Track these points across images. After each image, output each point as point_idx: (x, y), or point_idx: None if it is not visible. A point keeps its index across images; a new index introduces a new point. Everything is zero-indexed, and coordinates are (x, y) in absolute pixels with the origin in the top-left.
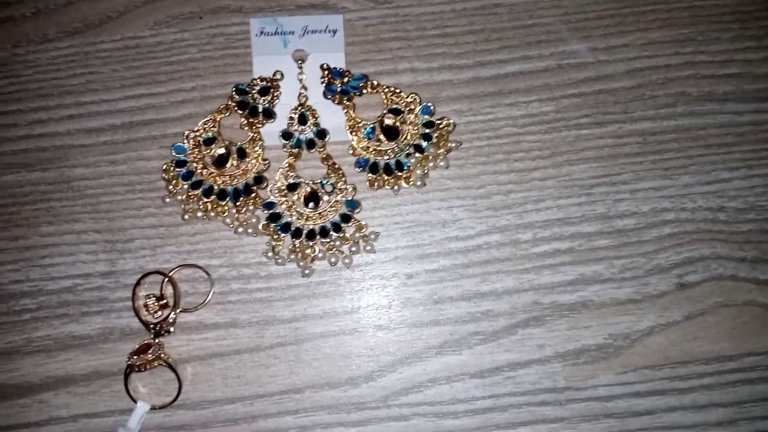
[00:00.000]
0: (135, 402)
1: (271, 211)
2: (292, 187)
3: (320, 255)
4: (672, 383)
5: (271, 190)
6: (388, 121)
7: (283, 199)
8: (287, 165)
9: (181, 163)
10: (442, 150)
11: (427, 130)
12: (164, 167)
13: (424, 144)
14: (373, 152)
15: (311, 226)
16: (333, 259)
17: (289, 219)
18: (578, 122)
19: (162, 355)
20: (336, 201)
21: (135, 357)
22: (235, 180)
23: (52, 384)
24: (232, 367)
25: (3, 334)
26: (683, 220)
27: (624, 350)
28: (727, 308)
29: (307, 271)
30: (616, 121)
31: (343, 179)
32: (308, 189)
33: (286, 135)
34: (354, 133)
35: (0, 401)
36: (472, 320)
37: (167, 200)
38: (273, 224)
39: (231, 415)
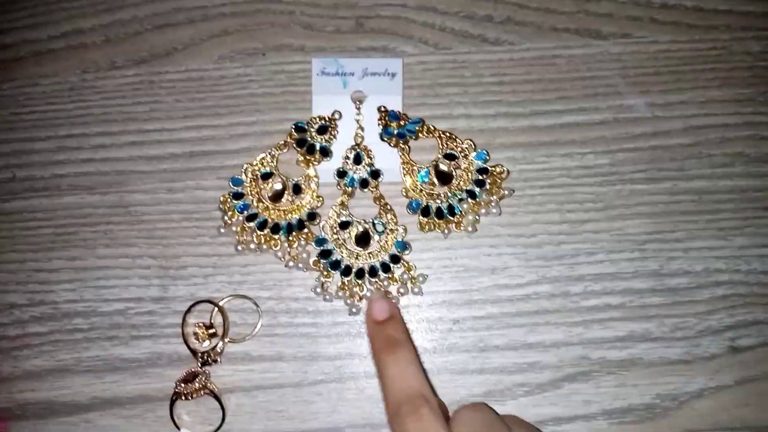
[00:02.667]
0: (179, 429)
1: (322, 248)
2: (344, 225)
3: (368, 294)
4: None
5: (323, 228)
6: (442, 166)
7: (335, 236)
8: (340, 203)
9: (237, 196)
10: (494, 197)
11: (481, 177)
12: (221, 198)
13: (477, 190)
14: (426, 195)
15: (360, 265)
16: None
17: (339, 257)
18: (633, 177)
19: (208, 385)
20: (386, 241)
21: (182, 385)
22: (289, 215)
23: (99, 405)
24: (275, 401)
25: (55, 352)
26: (737, 282)
27: (672, 412)
28: None
29: (354, 309)
30: (671, 178)
31: (395, 220)
32: (360, 228)
33: (341, 173)
34: (408, 175)
35: (48, 417)
36: (518, 371)
37: (222, 231)
38: (323, 261)
39: None
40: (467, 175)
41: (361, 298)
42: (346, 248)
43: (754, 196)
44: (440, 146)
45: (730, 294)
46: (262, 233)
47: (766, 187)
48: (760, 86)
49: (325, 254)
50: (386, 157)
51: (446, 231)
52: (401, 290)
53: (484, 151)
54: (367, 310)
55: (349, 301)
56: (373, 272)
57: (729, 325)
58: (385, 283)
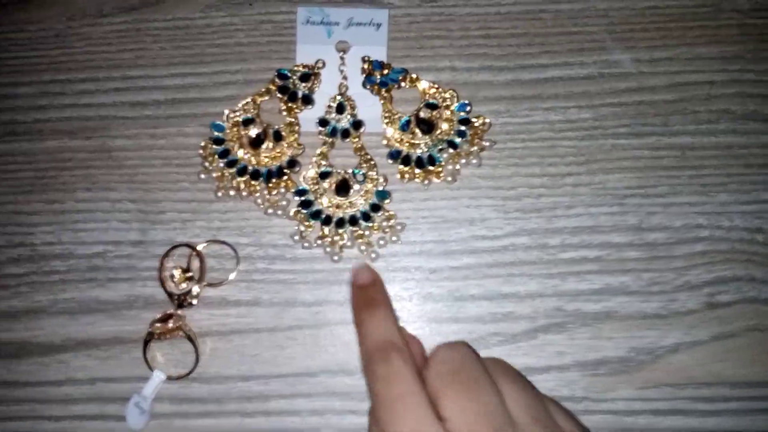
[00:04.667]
0: (152, 370)
1: (302, 198)
2: (324, 175)
3: (348, 243)
4: (695, 404)
5: (303, 177)
6: (423, 115)
7: (315, 186)
8: (321, 152)
9: (218, 141)
10: (475, 148)
11: (462, 127)
12: (202, 144)
13: (458, 140)
14: (407, 145)
15: (341, 214)
16: (363, 248)
17: (320, 206)
18: (616, 131)
19: (183, 326)
20: (366, 191)
21: (156, 325)
22: (270, 162)
23: (73, 346)
24: (250, 345)
25: (31, 294)
26: (717, 238)
27: (646, 365)
28: (757, 332)
29: (336, 258)
30: (654, 134)
31: (375, 170)
32: (340, 177)
33: (323, 122)
34: (389, 125)
35: (21, 358)
36: (493, 321)
37: (202, 176)
38: (303, 210)
39: (245, 392)
40: (449, 126)
41: (341, 247)
42: (326, 198)
43: (739, 152)
44: (422, 95)
45: (709, 250)
46: (241, 179)
47: (751, 144)
48: (748, 44)
49: (306, 204)
50: (368, 108)
51: (426, 181)
52: (381, 240)
53: (466, 102)
54: (351, 277)
55: (328, 249)
56: (353, 221)
57: (707, 280)
58: (365, 232)
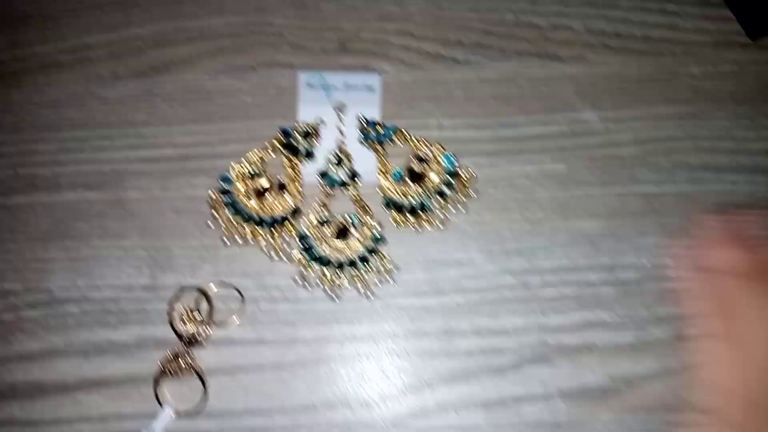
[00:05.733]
0: (162, 407)
1: (304, 243)
2: (325, 222)
3: (347, 284)
4: (667, 427)
5: (305, 224)
6: (415, 167)
7: (316, 232)
8: (321, 201)
9: (226, 192)
10: (462, 197)
11: (450, 179)
12: (211, 195)
13: (446, 190)
14: (400, 194)
15: (340, 258)
16: (360, 286)
17: (320, 251)
18: (587, 181)
19: (192, 364)
20: (363, 236)
21: (168, 363)
22: (274, 211)
23: (87, 385)
24: (255, 381)
25: (47, 336)
26: (683, 276)
27: (623, 393)
28: None
29: (335, 298)
30: (621, 183)
31: (371, 217)
32: (339, 224)
33: (323, 174)
34: (383, 176)
35: (36, 397)
36: (481, 354)
37: (210, 225)
38: (305, 254)
39: (250, 426)
40: (437, 177)
41: (340, 287)
42: (327, 243)
43: (697, 199)
44: (413, 150)
45: (676, 287)
46: (248, 227)
47: (707, 192)
48: (700, 104)
49: (307, 249)
50: (364, 162)
51: (418, 227)
52: (377, 281)
53: (452, 155)
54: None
55: (329, 290)
56: (351, 264)
57: (675, 315)
58: (363, 273)
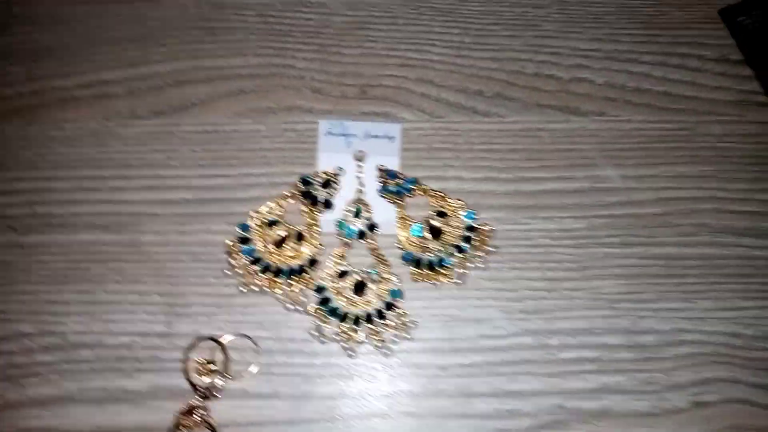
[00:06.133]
0: None
1: (321, 296)
2: (342, 274)
3: (364, 339)
4: None
5: (322, 276)
6: (434, 222)
7: (333, 284)
8: (339, 253)
9: (244, 240)
10: (481, 252)
11: (469, 234)
12: (229, 242)
13: (465, 246)
14: (418, 248)
15: (357, 312)
16: (377, 344)
17: (337, 304)
18: (607, 241)
19: (207, 418)
20: (381, 289)
21: (182, 416)
22: (291, 260)
23: None
24: None
25: (61, 381)
26: (701, 342)
27: None
28: (741, 431)
29: (351, 353)
30: (642, 244)
31: (389, 270)
32: (357, 277)
33: (341, 225)
34: (402, 229)
35: None
36: (498, 417)
37: (227, 273)
38: (322, 307)
39: None
40: (457, 232)
41: (358, 342)
42: (344, 296)
43: (717, 263)
44: (433, 204)
45: (694, 353)
46: (265, 276)
47: (728, 256)
48: (722, 164)
49: (324, 301)
50: (383, 212)
51: (436, 282)
52: (394, 337)
53: (473, 212)
54: None
55: (346, 345)
56: (368, 319)
57: (693, 381)
58: (379, 328)
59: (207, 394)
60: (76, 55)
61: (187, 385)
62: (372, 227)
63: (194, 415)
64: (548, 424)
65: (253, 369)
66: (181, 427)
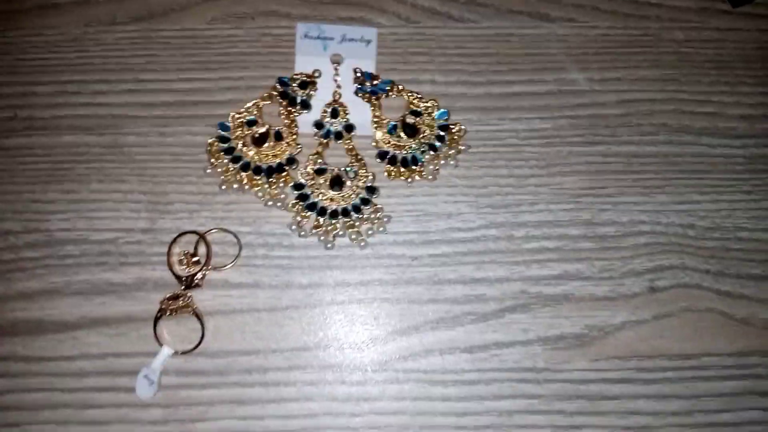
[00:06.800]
0: (160, 345)
1: (299, 192)
2: (320, 172)
3: (341, 233)
4: (638, 374)
5: (300, 173)
6: (408, 120)
7: (311, 181)
8: (316, 152)
9: (224, 139)
10: (452, 151)
11: (442, 132)
12: (209, 141)
13: (438, 144)
14: (393, 146)
15: (334, 207)
16: (353, 236)
17: (315, 199)
18: (572, 140)
19: (190, 304)
20: (357, 186)
21: (167, 301)
22: (270, 159)
23: (86, 323)
24: (251, 323)
25: (47, 276)
26: (657, 232)
27: (598, 341)
28: (690, 313)
29: (329, 245)
30: (604, 142)
31: (365, 168)
32: (334, 174)
33: (319, 125)
34: (378, 129)
35: (38, 335)
36: (466, 302)
37: (208, 171)
38: (300, 203)
39: (245, 366)
40: (430, 131)
41: (335, 236)
42: (321, 192)
43: (675, 160)
44: (407, 103)
45: (651, 242)
46: (244, 174)
47: (685, 153)
48: (683, 68)
49: (303, 197)
50: (359, 114)
51: (410, 179)
52: (370, 230)
53: (445, 110)
54: None
55: (323, 238)
56: (345, 213)
57: (649, 268)
58: (356, 222)
59: (190, 283)
60: None
61: (171, 278)
62: (349, 128)
63: (178, 302)
64: (512, 307)
65: (234, 260)
66: (166, 312)
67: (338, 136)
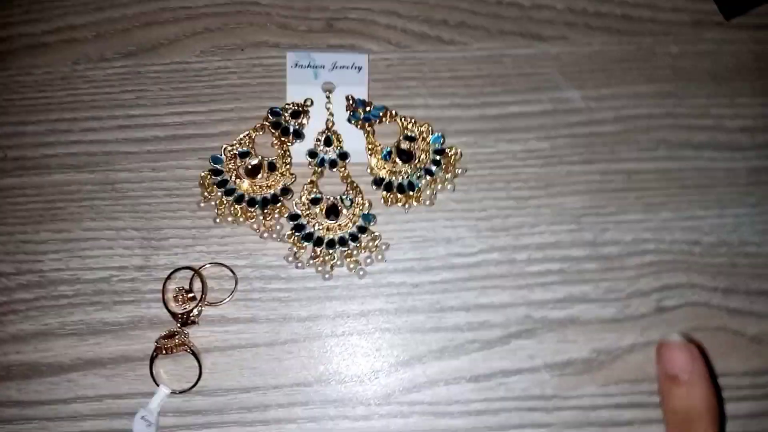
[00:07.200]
0: (157, 385)
1: (295, 222)
2: (315, 201)
3: (338, 263)
4: (650, 397)
5: (296, 204)
6: (403, 146)
7: (307, 211)
8: (311, 181)
9: (217, 172)
10: (449, 175)
11: (437, 157)
12: (202, 174)
13: (434, 168)
14: (388, 173)
15: (331, 236)
16: (351, 266)
17: (311, 229)
18: (570, 159)
19: (187, 342)
20: (353, 215)
21: (162, 340)
22: (264, 190)
23: (81, 365)
24: (249, 359)
25: (40, 317)
26: (662, 250)
27: (607, 364)
28: (700, 332)
29: (327, 276)
30: (603, 160)
31: (361, 195)
32: (329, 202)
33: (312, 154)
34: (372, 155)
35: (32, 378)
36: (470, 329)
37: (201, 205)
38: (296, 233)
39: (245, 403)
40: (425, 156)
41: (333, 266)
42: (317, 222)
43: (676, 176)
44: (401, 129)
45: (656, 261)
46: (239, 207)
47: (686, 168)
48: (679, 82)
49: (298, 228)
50: (353, 142)
51: (407, 205)
52: (368, 260)
53: (440, 134)
54: (660, 357)
55: (320, 269)
56: (342, 242)
57: (655, 288)
58: (354, 251)
59: (186, 321)
60: (41, 1)
61: (167, 315)
62: (343, 156)
63: (174, 340)
64: (517, 333)
65: (231, 295)
66: (162, 350)
67: (332, 164)
